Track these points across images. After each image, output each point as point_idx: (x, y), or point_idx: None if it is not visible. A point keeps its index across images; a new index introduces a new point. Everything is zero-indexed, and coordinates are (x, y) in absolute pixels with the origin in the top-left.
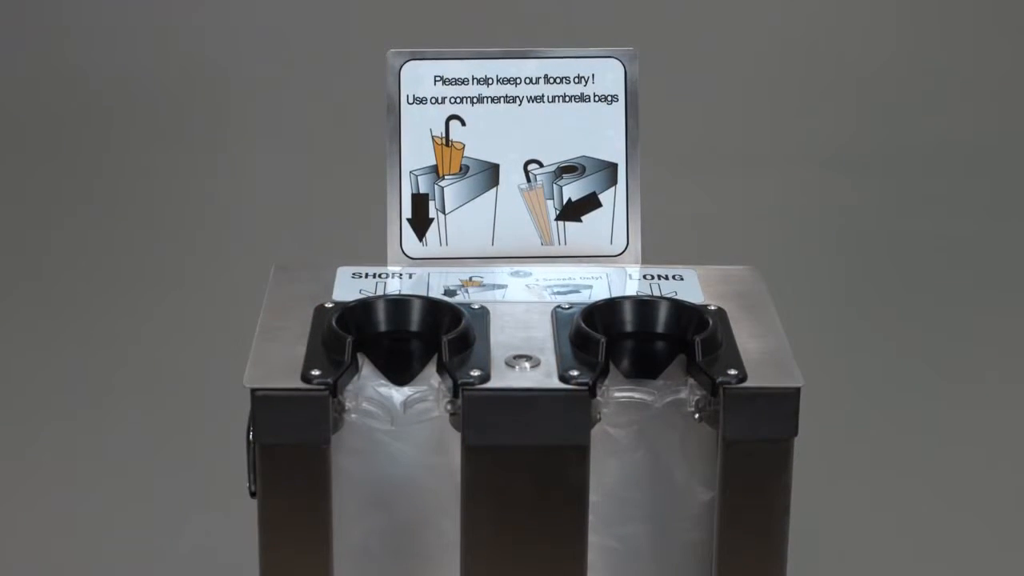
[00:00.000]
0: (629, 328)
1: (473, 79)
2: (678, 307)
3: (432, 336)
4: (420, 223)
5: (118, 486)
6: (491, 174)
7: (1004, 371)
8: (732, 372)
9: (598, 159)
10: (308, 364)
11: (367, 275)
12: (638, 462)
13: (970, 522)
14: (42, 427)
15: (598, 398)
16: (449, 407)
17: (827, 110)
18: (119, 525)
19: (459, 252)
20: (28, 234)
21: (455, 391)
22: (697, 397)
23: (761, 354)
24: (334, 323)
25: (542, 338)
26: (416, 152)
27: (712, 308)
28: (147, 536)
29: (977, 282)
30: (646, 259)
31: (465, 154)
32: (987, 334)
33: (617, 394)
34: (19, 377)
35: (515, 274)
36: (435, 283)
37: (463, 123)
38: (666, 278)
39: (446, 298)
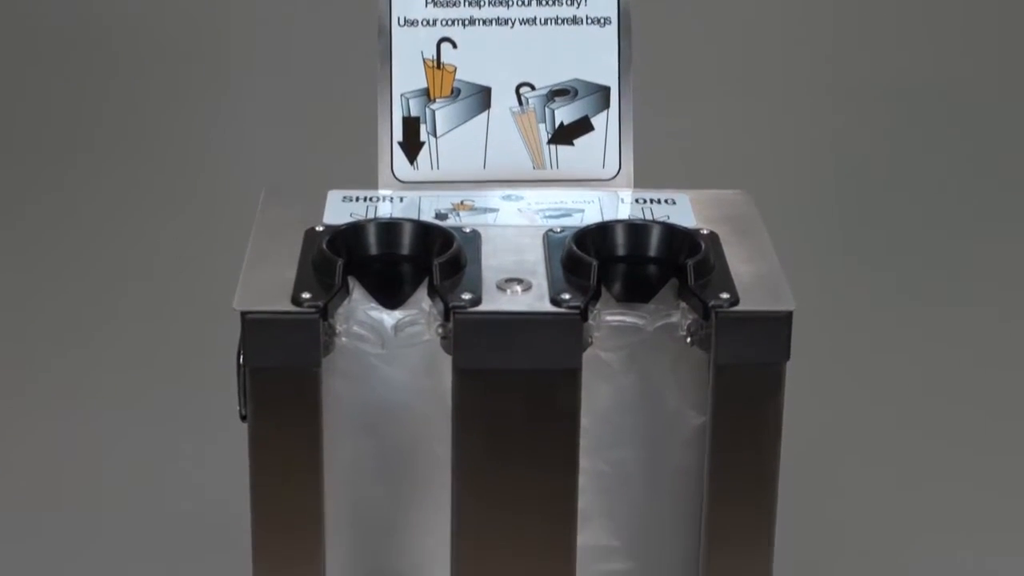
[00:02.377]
0: (621, 252)
1: (464, 1)
2: (670, 231)
3: (423, 259)
4: (411, 146)
5: (109, 409)
6: (483, 97)
7: (996, 296)
8: (724, 296)
9: (590, 82)
10: (298, 287)
11: (358, 199)
12: (629, 386)
13: (962, 446)
14: (35, 349)
15: (590, 322)
16: (440, 330)
17: (825, 35)
18: (110, 448)
19: (450, 176)
20: (24, 156)
21: (446, 314)
22: (689, 321)
23: (753, 278)
24: (324, 246)
25: (533, 262)
26: (407, 75)
27: (704, 232)
28: (138, 460)
29: (972, 209)
30: (638, 183)
31: (456, 77)
32: (981, 260)
33: (609, 318)
34: (10, 304)
35: (507, 198)
36: (426, 207)
37: (454, 46)
38: (658, 202)
39: (437, 222)
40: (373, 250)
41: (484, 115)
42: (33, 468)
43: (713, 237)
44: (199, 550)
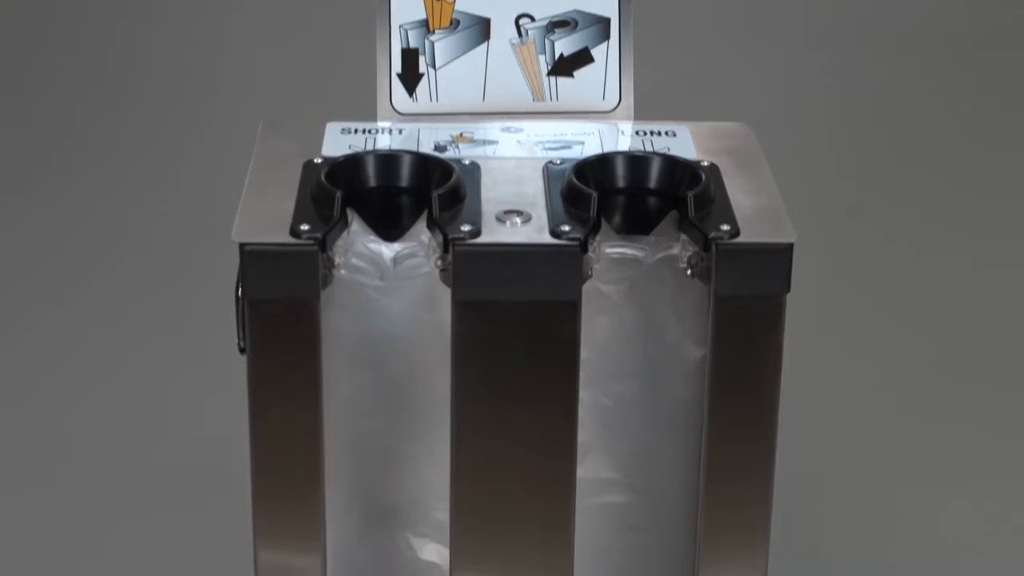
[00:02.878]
0: (621, 184)
1: None
2: (671, 163)
3: (422, 191)
4: (410, 78)
5: (107, 342)
6: (482, 28)
7: (997, 223)
8: (725, 228)
9: (591, 13)
10: (297, 219)
11: (357, 131)
12: (629, 319)
13: (962, 376)
14: (32, 277)
15: (589, 254)
16: (439, 263)
17: None
18: (109, 382)
19: (449, 108)
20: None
21: (445, 246)
22: (689, 253)
23: (754, 210)
24: (323, 178)
25: (533, 194)
26: (406, 6)
27: (705, 164)
28: (136, 394)
29: (973, 138)
30: (638, 115)
31: (456, 8)
32: (980, 189)
33: (609, 250)
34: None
35: (506, 130)
36: (425, 139)
37: None
38: (658, 134)
39: (436, 154)
40: (372, 182)
41: (483, 47)
42: (31, 405)
43: (713, 169)
44: (198, 489)
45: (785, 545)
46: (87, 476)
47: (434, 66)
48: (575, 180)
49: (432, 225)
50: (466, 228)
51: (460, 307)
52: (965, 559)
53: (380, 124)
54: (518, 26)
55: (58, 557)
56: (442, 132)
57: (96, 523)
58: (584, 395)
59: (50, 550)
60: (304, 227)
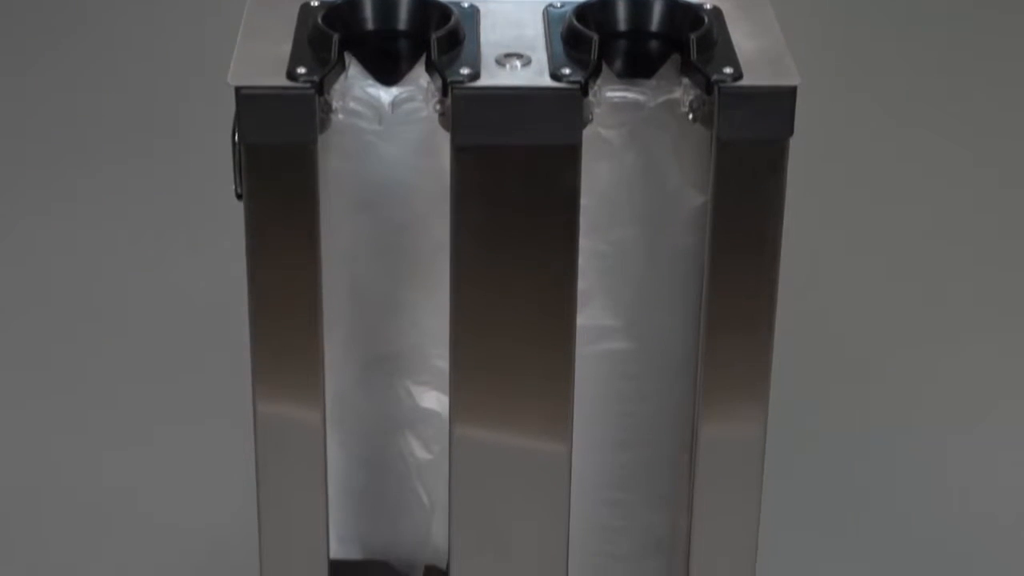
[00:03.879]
0: (622, 27)
1: None
2: (673, 5)
3: (421, 34)
4: None
5: (104, 188)
6: None
7: (1001, 64)
8: (727, 70)
9: None
10: (294, 62)
11: None
12: (630, 165)
13: (963, 224)
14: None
15: (590, 98)
16: (438, 107)
17: None
18: (107, 229)
19: None
20: None
21: (444, 89)
22: (691, 97)
23: (757, 53)
24: (320, 21)
25: (533, 36)
26: None
27: (707, 7)
28: (134, 242)
29: None
30: None
31: None
32: (985, 29)
33: (609, 94)
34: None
35: None
36: None
37: None
38: None
39: None
40: (370, 25)
41: None
42: (31, 260)
43: (716, 12)
44: (198, 344)
45: (785, 394)
46: (84, 335)
47: None
48: (576, 23)
49: (431, 68)
50: (465, 71)
51: (459, 152)
52: (957, 416)
53: None
54: None
55: (55, 394)
56: None
57: (94, 370)
58: (584, 242)
59: (49, 380)
60: (301, 70)
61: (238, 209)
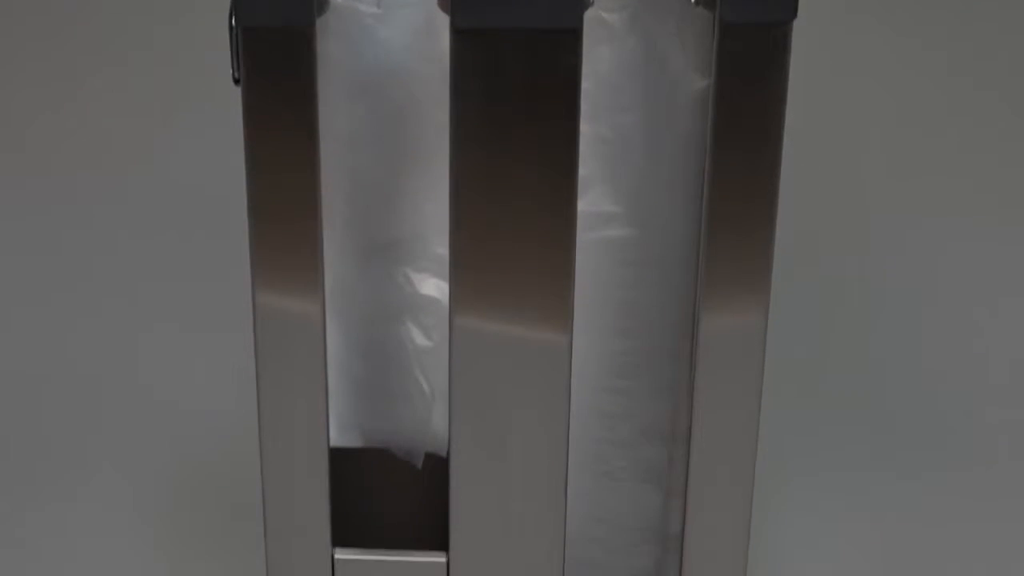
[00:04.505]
0: None
1: None
2: None
3: None
4: None
5: (98, 74)
6: None
7: None
8: None
9: None
10: None
11: None
12: (632, 48)
13: (965, 108)
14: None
15: None
16: None
17: None
18: (105, 126)
19: None
20: None
21: None
22: None
23: None
24: None
25: None
26: None
27: None
28: (130, 131)
29: None
30: None
31: None
32: None
33: None
34: None
35: None
36: None
37: None
38: None
39: None
40: None
41: None
42: (37, 142)
43: None
44: (197, 231)
45: (786, 277)
46: (83, 220)
47: None
48: None
49: None
50: None
51: (458, 35)
52: (961, 301)
53: None
54: None
55: (56, 286)
56: None
57: (96, 259)
58: (585, 128)
59: (53, 266)
60: None
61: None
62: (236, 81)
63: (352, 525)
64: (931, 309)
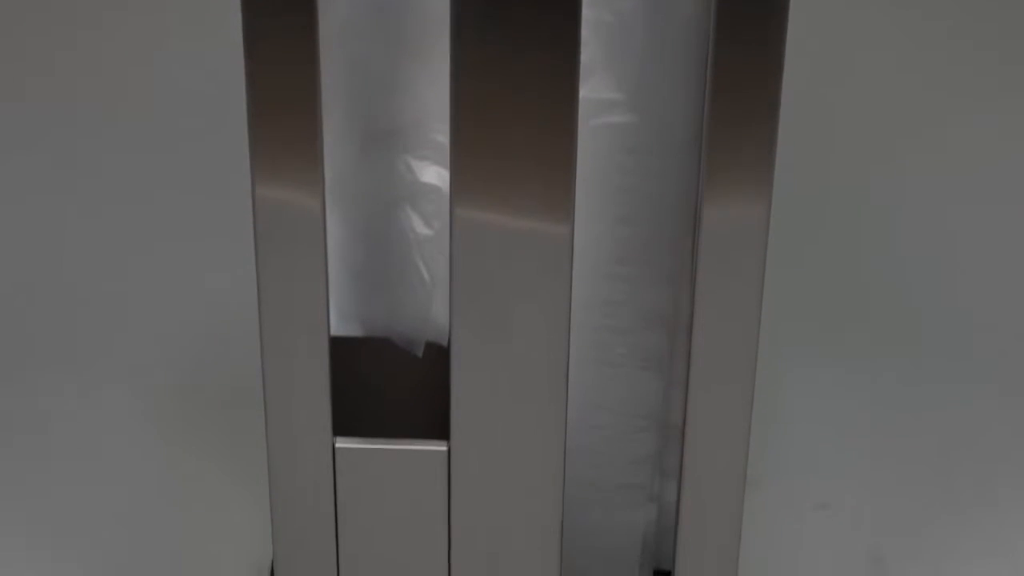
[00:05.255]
0: None
1: None
2: None
3: None
4: None
5: None
6: None
7: None
8: None
9: None
10: None
11: None
12: None
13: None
14: None
15: None
16: None
17: None
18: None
19: None
20: None
21: None
22: None
23: None
24: None
25: None
26: None
27: None
28: (129, 25)
29: None
30: None
31: None
32: None
33: None
34: None
35: None
36: None
37: None
38: None
39: None
40: None
41: None
42: (36, 46)
43: None
44: (196, 123)
45: (786, 167)
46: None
47: None
48: None
49: None
50: None
51: None
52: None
53: None
54: None
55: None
56: None
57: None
58: (587, 12)
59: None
60: None
61: None
62: None
63: (353, 415)
64: (950, 206)
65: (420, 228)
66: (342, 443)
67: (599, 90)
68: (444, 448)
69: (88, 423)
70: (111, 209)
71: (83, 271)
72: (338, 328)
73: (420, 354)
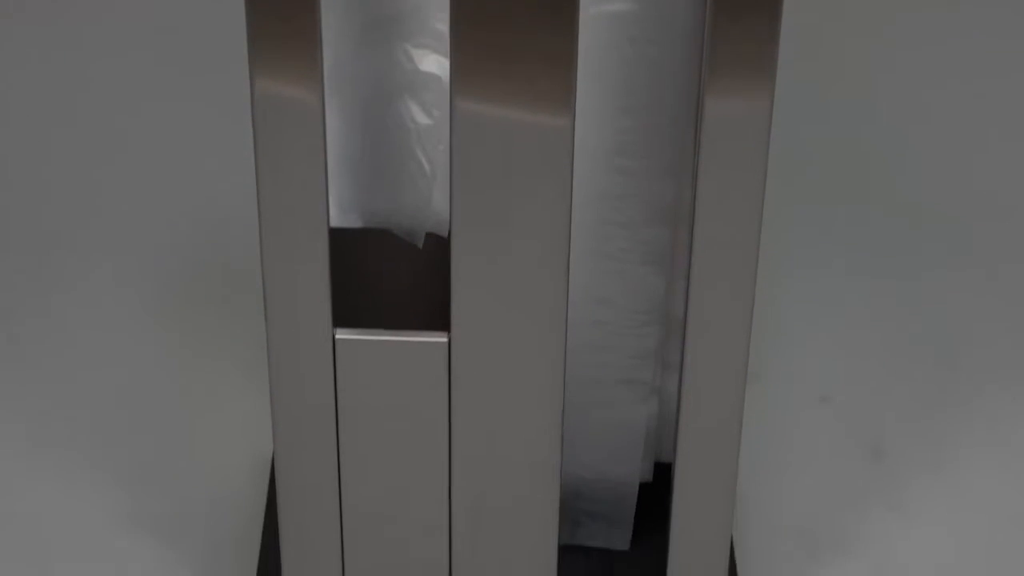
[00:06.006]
0: None
1: None
2: None
3: None
4: None
5: None
6: None
7: None
8: None
9: None
10: None
11: None
12: None
13: None
14: None
15: None
16: None
17: None
18: None
19: None
20: None
21: None
22: None
23: None
24: None
25: None
26: None
27: None
28: None
29: None
30: None
31: None
32: None
33: None
34: None
35: None
36: None
37: None
38: None
39: None
40: None
41: None
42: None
43: None
44: (195, 18)
45: (787, 65)
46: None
47: None
48: None
49: None
50: None
51: None
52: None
53: None
54: None
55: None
56: None
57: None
58: None
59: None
60: None
61: None
62: None
63: (353, 306)
64: (941, 92)
65: (420, 117)
66: (342, 334)
67: None
68: (444, 340)
69: (87, 314)
70: (110, 94)
71: (78, 156)
72: (337, 220)
73: (420, 245)
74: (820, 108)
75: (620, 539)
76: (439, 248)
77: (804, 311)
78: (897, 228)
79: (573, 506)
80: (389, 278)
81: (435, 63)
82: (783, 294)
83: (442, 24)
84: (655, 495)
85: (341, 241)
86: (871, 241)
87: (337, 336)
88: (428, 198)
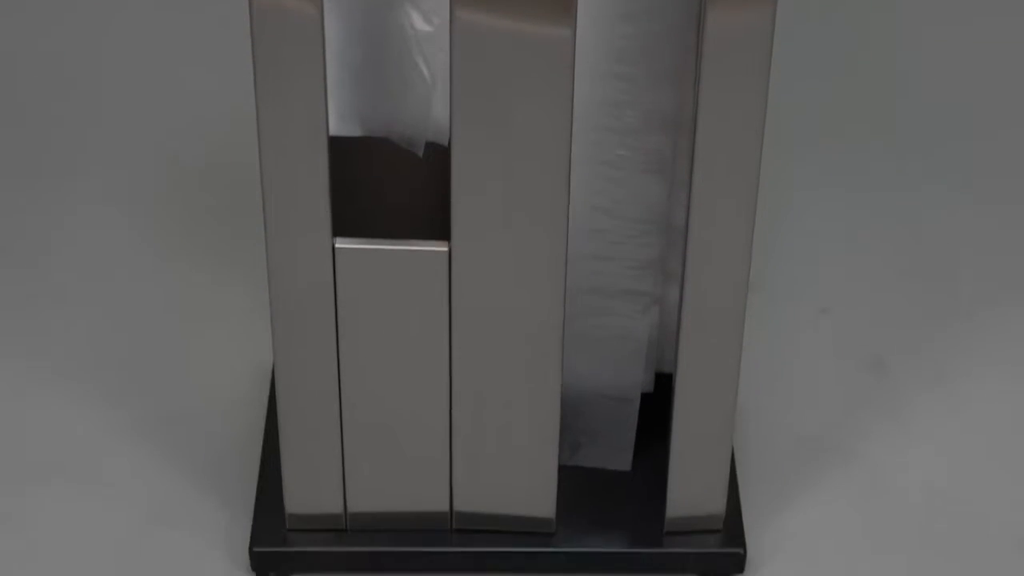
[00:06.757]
0: None
1: None
2: None
3: None
4: None
5: None
6: None
7: None
8: None
9: None
10: None
11: None
12: None
13: None
14: None
15: None
16: None
17: None
18: None
19: None
20: None
21: None
22: None
23: None
24: None
25: None
26: None
27: None
28: None
29: None
30: None
31: None
32: None
33: None
34: None
35: None
36: None
37: None
38: None
39: None
40: None
41: None
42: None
43: None
44: None
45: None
46: None
47: None
48: None
49: None
50: None
51: None
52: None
53: None
54: None
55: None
56: None
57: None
58: None
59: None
60: None
61: None
62: None
63: (353, 216)
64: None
65: (419, 24)
66: (342, 243)
67: None
68: (445, 249)
69: (85, 233)
70: (110, 14)
71: (73, 69)
72: (337, 128)
73: (421, 153)
74: (823, 23)
75: (621, 460)
76: (439, 157)
77: (806, 222)
78: (904, 137)
79: (573, 426)
80: (389, 187)
81: None
82: (785, 203)
83: None
84: (656, 410)
85: (340, 150)
86: (876, 152)
87: (337, 245)
88: (428, 106)
